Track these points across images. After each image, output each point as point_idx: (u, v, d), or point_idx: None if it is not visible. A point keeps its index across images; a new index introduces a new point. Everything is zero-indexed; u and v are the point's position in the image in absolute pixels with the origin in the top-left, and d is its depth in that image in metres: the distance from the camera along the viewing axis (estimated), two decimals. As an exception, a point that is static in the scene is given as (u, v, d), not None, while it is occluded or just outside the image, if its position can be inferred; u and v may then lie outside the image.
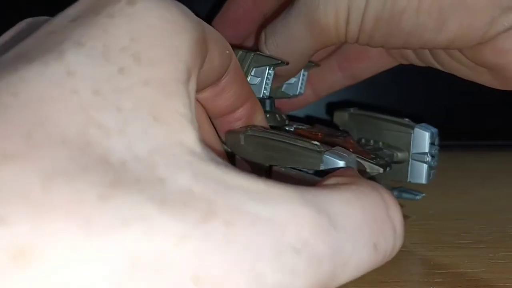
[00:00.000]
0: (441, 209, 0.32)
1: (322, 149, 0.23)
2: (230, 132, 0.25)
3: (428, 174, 0.30)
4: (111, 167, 0.12)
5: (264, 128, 0.26)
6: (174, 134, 0.13)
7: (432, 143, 0.30)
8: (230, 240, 0.12)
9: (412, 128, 0.30)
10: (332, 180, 0.16)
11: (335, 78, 0.34)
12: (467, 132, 0.47)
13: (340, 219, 0.13)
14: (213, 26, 0.36)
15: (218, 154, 0.24)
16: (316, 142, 0.24)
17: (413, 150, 0.30)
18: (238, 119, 0.24)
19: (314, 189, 0.14)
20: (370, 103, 0.38)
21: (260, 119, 0.25)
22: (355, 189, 0.15)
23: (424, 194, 0.30)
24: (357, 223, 0.14)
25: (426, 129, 0.30)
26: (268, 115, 0.30)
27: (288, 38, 0.28)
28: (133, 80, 0.13)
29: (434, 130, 0.30)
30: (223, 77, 0.21)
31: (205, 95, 0.22)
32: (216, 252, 0.12)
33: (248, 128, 0.25)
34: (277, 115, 0.30)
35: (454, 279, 0.22)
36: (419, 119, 0.31)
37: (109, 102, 0.13)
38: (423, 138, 0.30)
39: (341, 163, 0.23)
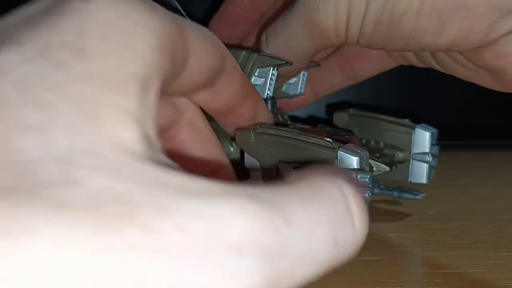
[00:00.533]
0: (441, 209, 0.32)
1: (336, 146, 0.23)
2: (240, 130, 0.25)
3: (429, 174, 0.30)
4: (13, 169, 0.11)
5: (273, 125, 0.26)
6: (107, 131, 0.12)
7: (432, 143, 0.30)
8: (147, 247, 0.10)
9: (413, 128, 0.30)
10: (292, 176, 0.15)
11: (335, 79, 0.34)
12: (467, 132, 0.47)
13: (296, 215, 0.13)
14: (210, 27, 0.36)
15: (215, 155, 0.24)
16: (328, 139, 0.24)
17: (414, 150, 0.30)
18: (240, 116, 0.24)
19: (270, 185, 0.13)
20: (370, 104, 0.38)
21: (265, 116, 0.25)
22: (312, 183, 0.14)
23: (424, 194, 0.30)
24: (314, 218, 0.13)
25: (426, 129, 0.30)
26: None
27: (288, 39, 0.28)
28: (69, 75, 0.12)
29: (435, 130, 0.30)
30: (218, 78, 0.20)
31: (200, 97, 0.21)
32: (124, 261, 0.10)
33: (258, 126, 0.25)
34: (279, 116, 0.30)
35: (454, 279, 0.22)
36: (418, 119, 0.31)
37: (35, 99, 0.12)
38: (424, 138, 0.30)
39: (355, 159, 0.23)
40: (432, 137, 0.30)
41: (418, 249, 0.26)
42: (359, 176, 0.23)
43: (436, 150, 0.30)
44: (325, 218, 0.13)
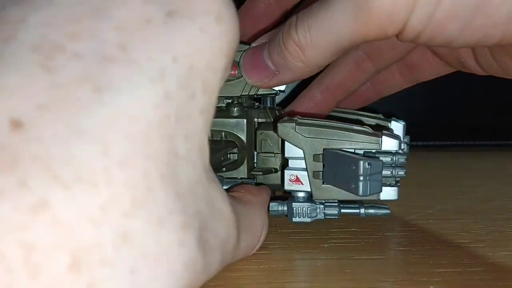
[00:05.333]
0: (440, 209, 0.32)
1: (378, 132, 0.26)
2: (281, 121, 0.27)
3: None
4: None
5: (308, 116, 0.28)
6: None
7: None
8: None
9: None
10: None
11: (396, 82, 0.35)
12: (467, 132, 0.47)
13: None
14: None
15: None
16: (367, 127, 0.26)
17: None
18: None
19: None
20: (370, 105, 0.38)
21: None
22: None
23: (389, 211, 0.28)
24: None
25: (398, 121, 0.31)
26: (269, 111, 0.31)
27: (324, 22, 0.24)
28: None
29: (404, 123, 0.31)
30: None
31: None
32: None
33: (297, 117, 0.27)
34: (276, 111, 0.32)
35: (453, 278, 0.22)
36: (419, 118, 0.31)
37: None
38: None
39: (396, 143, 0.26)
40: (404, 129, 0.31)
41: (417, 248, 0.26)
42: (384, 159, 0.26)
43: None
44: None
